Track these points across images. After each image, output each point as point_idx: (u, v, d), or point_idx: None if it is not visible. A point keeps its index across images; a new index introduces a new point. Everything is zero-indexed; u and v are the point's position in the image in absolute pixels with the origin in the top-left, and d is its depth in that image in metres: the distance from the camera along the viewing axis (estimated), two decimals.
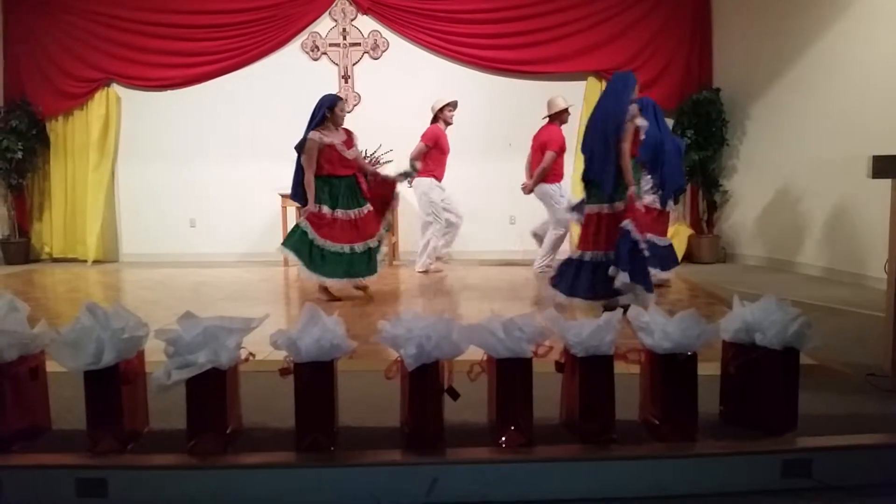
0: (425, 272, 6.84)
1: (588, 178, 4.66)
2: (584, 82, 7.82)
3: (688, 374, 2.46)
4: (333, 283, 5.26)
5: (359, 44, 8.05)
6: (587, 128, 4.80)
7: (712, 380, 2.65)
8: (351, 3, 7.99)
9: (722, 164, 7.78)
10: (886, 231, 3.12)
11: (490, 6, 7.89)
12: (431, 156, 6.70)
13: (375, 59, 8.07)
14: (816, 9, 6.53)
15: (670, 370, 2.44)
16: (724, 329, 2.61)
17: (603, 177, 4.46)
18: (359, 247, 5.26)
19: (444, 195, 6.87)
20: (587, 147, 4.71)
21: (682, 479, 2.28)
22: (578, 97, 7.64)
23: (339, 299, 5.30)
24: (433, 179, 6.76)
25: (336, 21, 8.04)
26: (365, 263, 5.28)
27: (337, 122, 5.32)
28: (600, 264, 4.43)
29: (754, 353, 2.51)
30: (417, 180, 6.58)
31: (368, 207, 5.38)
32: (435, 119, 6.83)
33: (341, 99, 5.42)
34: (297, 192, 5.48)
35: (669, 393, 2.45)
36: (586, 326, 2.43)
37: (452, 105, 6.82)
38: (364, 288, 5.47)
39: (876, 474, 2.32)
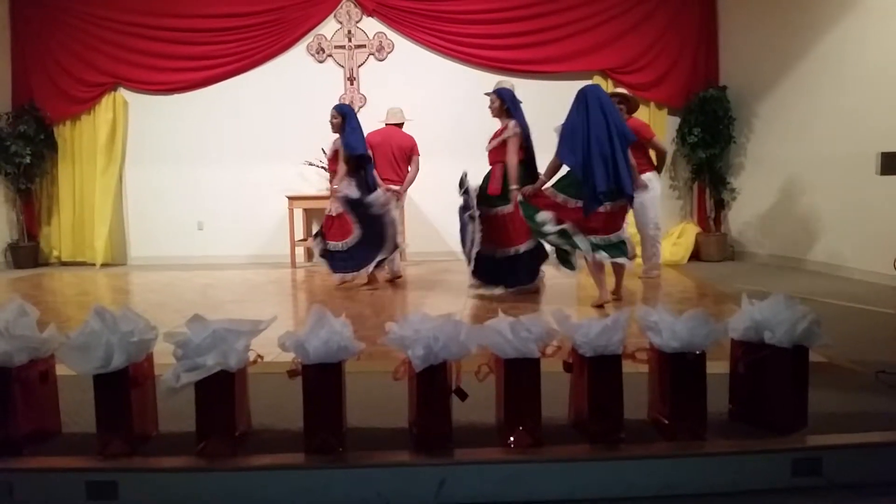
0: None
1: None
2: (590, 81, 7.80)
3: (696, 373, 2.44)
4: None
5: (364, 46, 8.06)
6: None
7: (721, 378, 2.64)
8: (356, 5, 8.01)
9: (729, 162, 7.75)
10: (895, 227, 3.10)
11: (495, 6, 7.89)
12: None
13: (381, 60, 8.09)
14: (823, 5, 6.51)
15: (679, 369, 2.43)
16: (732, 327, 2.60)
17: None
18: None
19: None
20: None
21: (691, 478, 2.28)
22: None
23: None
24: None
25: (341, 23, 8.06)
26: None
27: None
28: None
29: (763, 351, 2.49)
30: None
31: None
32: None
33: None
34: None
35: (678, 392, 2.44)
36: (594, 326, 2.42)
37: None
38: None
39: (887, 472, 2.31)
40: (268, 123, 8.09)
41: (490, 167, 5.57)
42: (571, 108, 5.04)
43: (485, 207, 5.43)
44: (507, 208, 5.38)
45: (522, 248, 5.48)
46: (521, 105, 5.59)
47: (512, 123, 5.44)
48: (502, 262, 5.53)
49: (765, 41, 7.26)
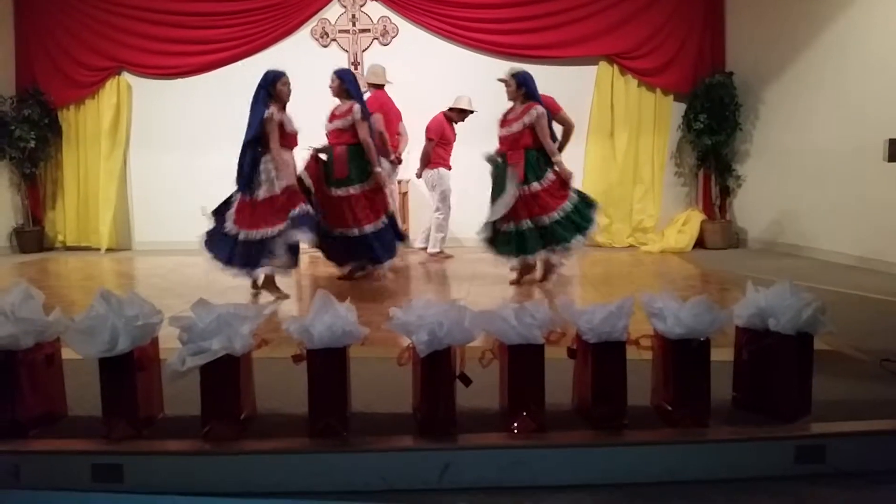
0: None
1: None
2: (595, 67, 7.77)
3: (700, 359, 2.44)
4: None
5: (368, 30, 8.02)
6: None
7: (725, 365, 2.64)
8: None
9: (735, 149, 7.71)
10: None
11: None
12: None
13: (385, 45, 8.04)
14: None
15: (683, 356, 2.43)
16: (737, 314, 2.59)
17: None
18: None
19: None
20: None
21: (694, 464, 2.28)
22: (590, 82, 7.61)
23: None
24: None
25: (345, 7, 8.01)
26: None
27: None
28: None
29: (768, 338, 2.49)
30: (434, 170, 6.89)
31: None
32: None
33: None
34: None
35: (682, 379, 2.44)
36: (598, 313, 2.42)
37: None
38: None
39: (890, 460, 2.31)
40: None
41: (332, 147, 5.62)
42: (536, 93, 5.37)
43: (330, 188, 5.50)
44: (355, 189, 5.46)
45: (368, 228, 5.48)
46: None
47: (357, 107, 5.49)
48: (349, 242, 5.52)
49: (772, 28, 7.20)
